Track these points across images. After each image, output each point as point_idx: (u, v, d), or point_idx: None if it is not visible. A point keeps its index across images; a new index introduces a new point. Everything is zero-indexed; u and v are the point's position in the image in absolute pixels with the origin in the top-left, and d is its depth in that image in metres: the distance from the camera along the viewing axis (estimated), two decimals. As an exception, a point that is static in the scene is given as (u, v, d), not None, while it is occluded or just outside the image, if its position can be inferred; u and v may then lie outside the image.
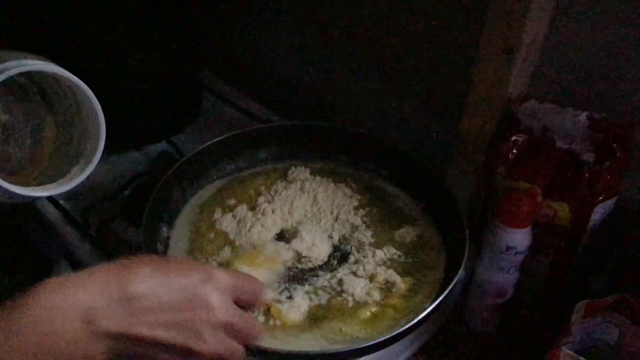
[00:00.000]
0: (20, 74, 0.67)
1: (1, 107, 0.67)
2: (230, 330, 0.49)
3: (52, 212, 0.87)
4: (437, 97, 0.89)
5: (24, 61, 0.59)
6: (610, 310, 0.60)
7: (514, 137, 0.73)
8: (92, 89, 0.92)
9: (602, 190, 0.69)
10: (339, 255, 0.74)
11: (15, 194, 0.60)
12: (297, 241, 0.74)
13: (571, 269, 0.75)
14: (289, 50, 1.09)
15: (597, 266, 0.74)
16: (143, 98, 0.97)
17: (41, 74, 0.63)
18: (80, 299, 0.44)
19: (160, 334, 0.46)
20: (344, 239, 0.76)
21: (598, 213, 0.70)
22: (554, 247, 0.74)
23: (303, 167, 0.85)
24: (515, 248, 0.71)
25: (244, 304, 0.53)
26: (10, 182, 0.61)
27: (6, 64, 0.58)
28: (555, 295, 0.77)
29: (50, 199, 0.88)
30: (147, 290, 0.46)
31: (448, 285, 0.66)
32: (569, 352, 0.54)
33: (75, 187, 0.89)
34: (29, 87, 0.68)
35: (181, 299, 0.47)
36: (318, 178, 0.84)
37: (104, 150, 0.97)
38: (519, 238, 0.71)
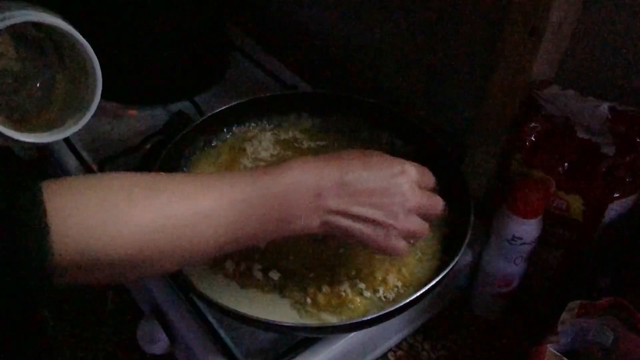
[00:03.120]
0: (36, 28, 0.68)
1: (15, 56, 0.68)
2: (419, 211, 0.60)
3: (71, 162, 0.89)
4: (464, 74, 0.86)
5: (25, 12, 0.60)
6: (607, 313, 0.58)
7: (532, 124, 0.70)
8: (116, 44, 0.93)
9: (619, 186, 0.66)
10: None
11: (6, 136, 0.62)
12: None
13: (581, 265, 0.72)
14: (320, 13, 1.07)
15: (607, 264, 0.71)
16: (167, 55, 0.97)
17: (55, 29, 0.64)
18: (314, 179, 0.56)
19: (367, 211, 0.57)
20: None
21: (613, 210, 0.67)
22: (565, 240, 0.71)
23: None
24: (522, 239, 0.69)
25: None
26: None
27: (6, 13, 0.59)
28: (563, 289, 0.75)
29: (71, 148, 0.90)
30: (358, 178, 0.57)
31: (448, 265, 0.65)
32: (553, 351, 0.53)
33: (95, 138, 0.92)
34: (44, 41, 0.68)
35: (382, 186, 0.58)
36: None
37: (126, 104, 0.99)
38: (527, 229, 0.69)
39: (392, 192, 0.58)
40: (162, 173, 0.54)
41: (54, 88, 0.70)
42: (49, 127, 0.68)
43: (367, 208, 0.57)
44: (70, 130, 0.68)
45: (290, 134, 0.85)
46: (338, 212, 0.57)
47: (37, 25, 0.68)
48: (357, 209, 0.57)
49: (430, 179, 0.63)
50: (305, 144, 0.83)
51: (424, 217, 0.62)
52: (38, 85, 0.70)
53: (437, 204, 0.63)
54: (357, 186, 0.57)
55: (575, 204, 0.68)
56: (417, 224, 0.61)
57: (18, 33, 0.67)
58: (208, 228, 0.51)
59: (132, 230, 0.47)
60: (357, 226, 0.58)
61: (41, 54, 0.69)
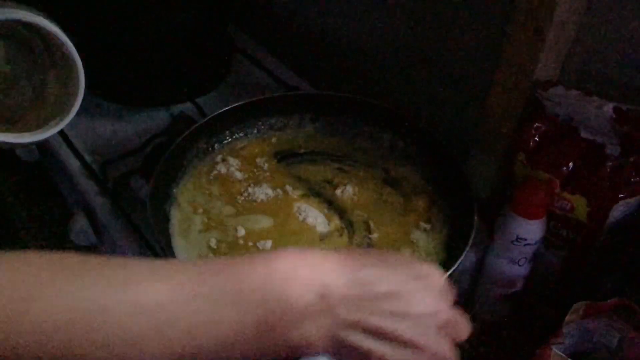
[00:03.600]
0: (26, 28, 0.68)
1: (3, 57, 0.68)
2: (447, 329, 0.46)
3: (73, 164, 0.89)
4: (467, 76, 0.86)
5: (3, 10, 0.59)
6: (612, 314, 0.58)
7: (536, 124, 0.69)
8: (118, 46, 0.93)
9: (625, 187, 0.65)
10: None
11: None
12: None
13: (586, 266, 0.72)
14: (322, 14, 1.07)
15: (612, 265, 0.70)
16: (169, 57, 0.97)
17: (41, 29, 0.63)
18: (316, 273, 0.42)
19: (390, 323, 0.43)
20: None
21: (618, 211, 0.66)
22: (569, 241, 0.71)
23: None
24: (526, 239, 0.68)
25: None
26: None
27: None
28: (568, 291, 0.75)
29: (73, 150, 0.90)
30: (376, 276, 0.44)
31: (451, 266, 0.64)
32: (559, 352, 0.52)
33: (97, 140, 0.92)
34: (34, 41, 0.69)
35: (407, 289, 0.44)
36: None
37: (128, 106, 0.99)
38: (531, 229, 0.68)
39: (418, 299, 0.44)
40: (102, 256, 0.41)
41: (45, 88, 0.70)
42: (40, 126, 0.68)
43: (390, 318, 0.43)
44: (52, 130, 0.68)
45: (292, 135, 0.85)
46: (351, 324, 0.43)
47: (27, 26, 0.67)
48: (376, 320, 0.43)
49: (451, 289, 0.48)
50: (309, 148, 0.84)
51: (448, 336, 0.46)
52: (29, 86, 0.70)
53: (465, 322, 0.48)
54: (375, 287, 0.43)
55: (579, 204, 0.67)
56: (447, 350, 0.45)
57: (7, 34, 0.67)
58: (154, 326, 0.38)
59: (36, 318, 0.36)
60: (379, 347, 0.43)
61: (31, 55, 0.69)
